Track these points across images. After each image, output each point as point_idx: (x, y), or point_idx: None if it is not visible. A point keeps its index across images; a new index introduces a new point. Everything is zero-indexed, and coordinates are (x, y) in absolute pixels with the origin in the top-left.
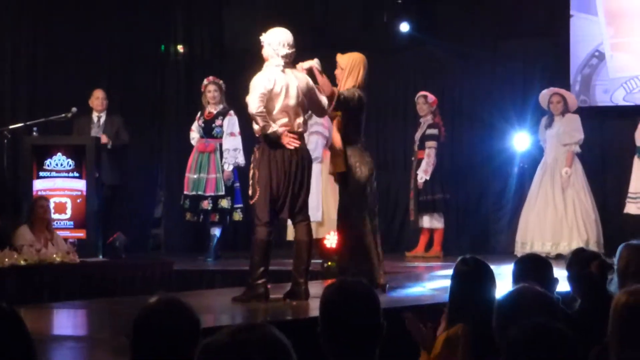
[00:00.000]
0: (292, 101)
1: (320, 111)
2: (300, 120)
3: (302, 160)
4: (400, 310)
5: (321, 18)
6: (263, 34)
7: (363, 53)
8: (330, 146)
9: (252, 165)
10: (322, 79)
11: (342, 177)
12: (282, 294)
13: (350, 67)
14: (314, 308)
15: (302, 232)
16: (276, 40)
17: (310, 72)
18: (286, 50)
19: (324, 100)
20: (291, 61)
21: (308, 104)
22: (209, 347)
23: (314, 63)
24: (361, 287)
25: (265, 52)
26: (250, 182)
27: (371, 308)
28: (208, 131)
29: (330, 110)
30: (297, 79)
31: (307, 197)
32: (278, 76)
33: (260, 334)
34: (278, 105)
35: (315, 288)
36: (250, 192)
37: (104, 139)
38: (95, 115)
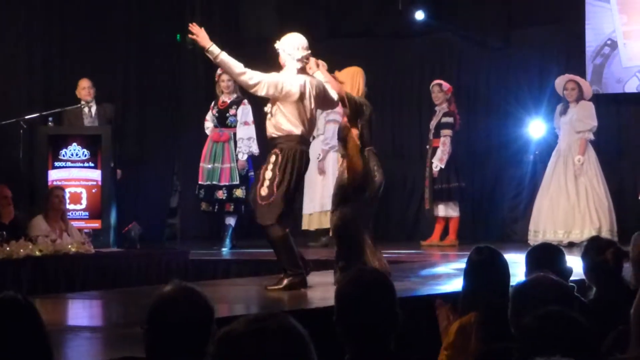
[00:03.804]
0: (312, 104)
1: (332, 105)
2: (314, 123)
3: (307, 163)
4: (416, 300)
5: (336, 6)
6: (277, 41)
7: (378, 41)
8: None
9: (270, 167)
10: (330, 77)
11: (359, 181)
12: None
13: (350, 79)
14: (329, 297)
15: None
16: (290, 45)
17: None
18: (302, 53)
19: (334, 94)
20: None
21: (322, 103)
22: (226, 336)
23: (321, 62)
24: (377, 276)
25: (281, 58)
26: (267, 183)
27: (387, 297)
28: (222, 120)
29: (345, 110)
30: (312, 82)
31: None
32: (301, 81)
33: (277, 323)
34: (299, 110)
35: (330, 278)
36: (264, 192)
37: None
38: (85, 105)
